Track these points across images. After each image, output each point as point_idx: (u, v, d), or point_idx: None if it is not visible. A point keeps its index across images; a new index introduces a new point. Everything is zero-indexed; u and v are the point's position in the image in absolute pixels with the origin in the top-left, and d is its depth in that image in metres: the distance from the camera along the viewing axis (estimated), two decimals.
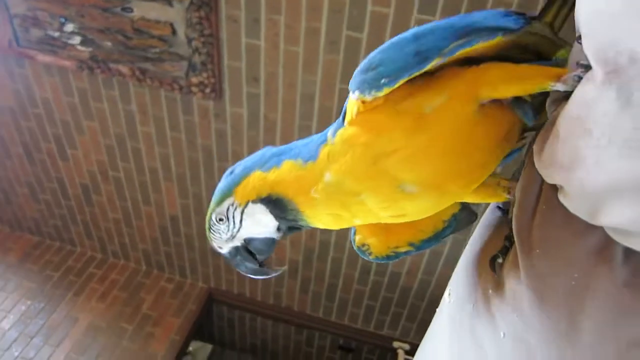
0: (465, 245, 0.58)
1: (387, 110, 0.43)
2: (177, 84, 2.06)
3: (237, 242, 0.52)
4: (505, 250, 0.45)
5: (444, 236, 0.58)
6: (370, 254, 0.57)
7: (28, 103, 2.44)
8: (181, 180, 2.52)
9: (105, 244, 3.11)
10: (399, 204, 0.45)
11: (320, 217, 0.48)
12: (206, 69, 1.98)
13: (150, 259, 3.10)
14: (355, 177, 0.44)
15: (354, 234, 0.58)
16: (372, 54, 0.43)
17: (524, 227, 0.40)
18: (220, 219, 0.50)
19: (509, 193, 0.52)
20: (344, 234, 2.37)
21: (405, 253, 0.57)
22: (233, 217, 0.50)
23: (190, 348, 3.73)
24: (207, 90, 2.04)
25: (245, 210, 0.50)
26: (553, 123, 0.37)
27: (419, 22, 1.68)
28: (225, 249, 0.53)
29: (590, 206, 0.33)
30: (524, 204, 0.41)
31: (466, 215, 0.58)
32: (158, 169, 2.51)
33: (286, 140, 2.12)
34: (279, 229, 0.50)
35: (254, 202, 0.49)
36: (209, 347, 4.12)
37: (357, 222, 0.49)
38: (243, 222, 0.50)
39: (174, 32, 1.93)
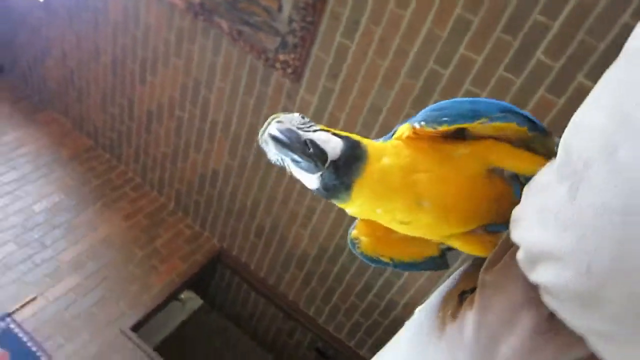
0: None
1: (428, 143, 0.58)
2: (265, 54, 2.19)
3: (303, 135, 0.56)
4: (473, 290, 0.54)
5: (418, 269, 0.71)
6: (358, 247, 0.69)
7: (132, 22, 2.65)
8: (235, 140, 2.65)
9: (147, 172, 3.31)
10: (412, 213, 0.58)
11: (363, 193, 0.56)
12: (295, 51, 2.10)
13: (180, 200, 3.27)
14: (395, 176, 0.57)
15: (353, 227, 0.69)
16: (440, 102, 0.58)
17: (488, 270, 0.52)
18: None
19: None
20: None
21: (384, 264, 0.69)
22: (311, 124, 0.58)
23: (182, 295, 3.89)
24: (289, 70, 2.16)
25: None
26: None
27: (502, 80, 1.73)
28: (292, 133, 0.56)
29: (529, 263, 0.43)
30: (496, 253, 0.53)
31: (441, 262, 0.70)
32: (219, 123, 2.66)
33: None
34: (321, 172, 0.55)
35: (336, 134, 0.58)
36: (199, 302, 4.28)
37: (379, 211, 0.59)
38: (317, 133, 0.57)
39: (279, 8, 2.06)
